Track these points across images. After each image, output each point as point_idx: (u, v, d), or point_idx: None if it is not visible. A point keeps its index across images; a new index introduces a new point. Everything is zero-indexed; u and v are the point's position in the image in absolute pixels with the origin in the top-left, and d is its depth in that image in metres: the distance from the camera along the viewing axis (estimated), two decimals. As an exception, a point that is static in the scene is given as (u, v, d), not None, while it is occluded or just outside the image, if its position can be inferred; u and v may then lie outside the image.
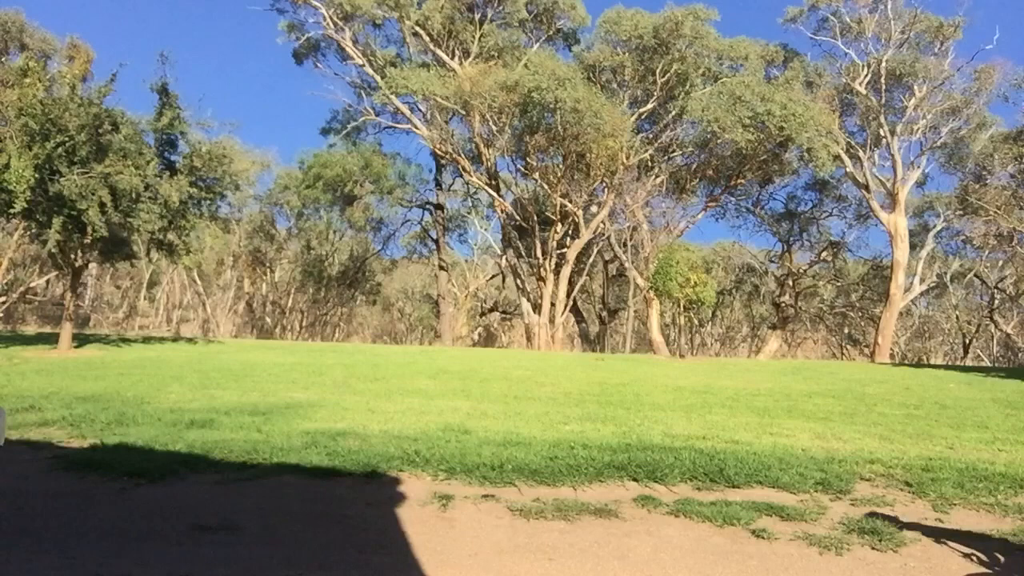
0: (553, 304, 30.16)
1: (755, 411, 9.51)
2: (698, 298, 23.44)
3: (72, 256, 17.50)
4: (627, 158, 27.54)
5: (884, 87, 28.09)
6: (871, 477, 5.78)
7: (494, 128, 29.25)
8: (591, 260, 35.08)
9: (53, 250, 15.97)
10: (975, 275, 36.99)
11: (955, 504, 5.09)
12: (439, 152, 31.76)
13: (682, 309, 24.89)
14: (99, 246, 17.67)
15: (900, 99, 29.02)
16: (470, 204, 39.14)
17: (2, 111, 15.65)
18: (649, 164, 29.14)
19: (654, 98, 28.60)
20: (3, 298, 34.95)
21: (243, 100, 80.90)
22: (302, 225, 42.06)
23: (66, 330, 17.04)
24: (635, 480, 5.57)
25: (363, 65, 32.22)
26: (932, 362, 39.50)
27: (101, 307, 46.91)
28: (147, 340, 21.75)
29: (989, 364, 38.53)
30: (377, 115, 33.44)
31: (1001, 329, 39.61)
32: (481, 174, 32.06)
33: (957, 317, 40.91)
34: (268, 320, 45.81)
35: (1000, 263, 36.00)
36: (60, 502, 4.86)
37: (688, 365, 18.79)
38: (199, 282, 43.43)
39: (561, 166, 29.07)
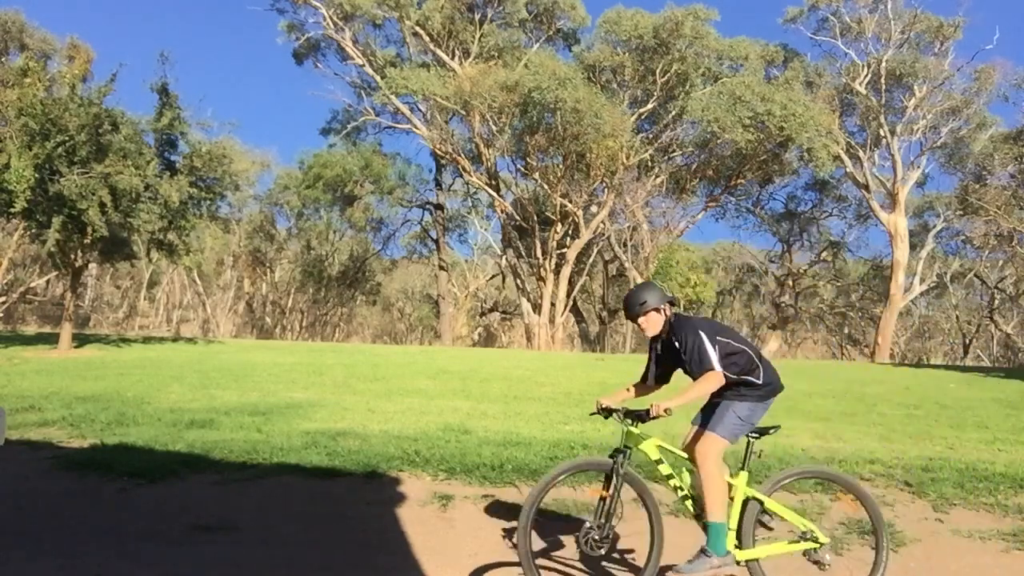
0: (553, 304, 30.15)
1: (755, 411, 9.49)
2: (698, 298, 23.48)
3: (72, 256, 17.50)
4: (627, 158, 27.54)
5: (884, 87, 28.08)
6: (871, 477, 5.78)
7: (494, 128, 29.25)
8: (591, 260, 35.05)
9: (53, 250, 15.97)
10: (975, 275, 36.97)
11: (955, 504, 5.08)
12: (439, 152, 31.75)
13: (682, 309, 24.90)
14: (99, 246, 17.67)
15: (900, 99, 29.02)
16: (470, 204, 39.12)
17: (2, 111, 15.65)
18: (649, 164, 29.13)
19: (654, 98, 28.58)
20: (3, 298, 34.94)
21: (243, 100, 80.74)
22: (302, 225, 42.05)
23: (66, 330, 17.04)
24: (635, 480, 5.56)
25: (363, 65, 32.21)
26: (932, 362, 39.48)
27: (101, 307, 46.90)
28: (147, 340, 21.74)
29: (989, 364, 38.51)
30: (377, 115, 33.44)
31: (1001, 329, 39.60)
32: (481, 174, 32.05)
33: (957, 317, 40.90)
34: (268, 320, 45.80)
35: (1000, 263, 35.97)
36: (60, 502, 4.87)
37: (688, 365, 18.76)
38: (199, 282, 43.41)
39: (561, 166, 29.06)
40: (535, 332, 29.80)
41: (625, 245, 29.22)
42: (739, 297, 45.11)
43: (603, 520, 3.45)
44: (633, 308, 3.62)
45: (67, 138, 15.13)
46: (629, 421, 3.55)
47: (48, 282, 40.60)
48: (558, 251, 30.40)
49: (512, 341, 46.51)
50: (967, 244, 33.42)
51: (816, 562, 3.57)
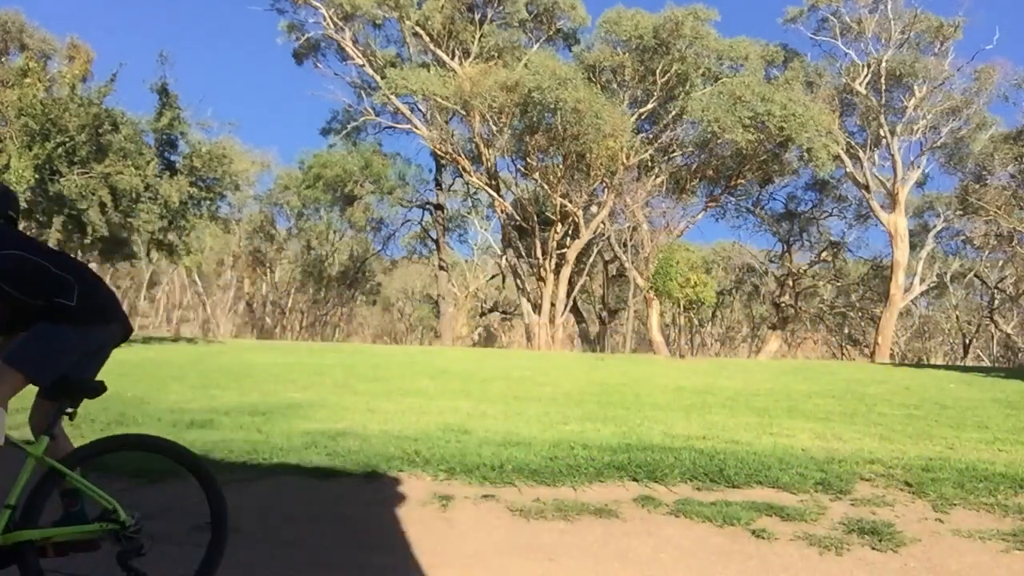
0: (553, 304, 30.16)
1: (755, 411, 9.51)
2: (698, 298, 23.46)
3: (72, 256, 17.50)
4: (627, 158, 27.55)
5: (884, 87, 28.10)
6: (871, 477, 5.77)
7: (494, 128, 29.26)
8: (591, 260, 35.09)
9: (53, 250, 15.98)
10: (975, 275, 36.99)
11: (955, 504, 5.07)
12: (439, 152, 31.76)
13: (682, 309, 24.90)
14: (99, 246, 17.70)
15: (900, 99, 29.05)
16: (470, 204, 39.22)
17: (2, 111, 15.67)
18: (649, 164, 29.16)
19: (654, 98, 28.61)
20: (3, 298, 34.90)
21: (243, 100, 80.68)
22: (302, 225, 42.12)
23: (66, 330, 17.03)
24: (635, 480, 5.56)
25: (363, 65, 32.24)
26: (932, 362, 39.48)
27: (101, 307, 46.83)
28: (147, 340, 21.74)
29: (989, 364, 38.51)
30: (377, 115, 33.48)
31: (1001, 329, 39.61)
32: (481, 174, 32.06)
33: (957, 317, 40.92)
34: (268, 320, 45.83)
35: (1000, 263, 36.02)
36: (60, 502, 4.86)
37: (688, 365, 18.80)
38: (199, 282, 43.44)
39: (561, 166, 29.08)
40: (535, 332, 29.81)
41: (625, 245, 29.22)
42: (739, 297, 45.13)
43: None
44: None
45: (67, 138, 15.17)
46: None
47: (48, 282, 40.53)
48: (558, 251, 30.41)
49: (512, 341, 46.53)
50: (967, 244, 33.50)
51: (122, 551, 2.91)
